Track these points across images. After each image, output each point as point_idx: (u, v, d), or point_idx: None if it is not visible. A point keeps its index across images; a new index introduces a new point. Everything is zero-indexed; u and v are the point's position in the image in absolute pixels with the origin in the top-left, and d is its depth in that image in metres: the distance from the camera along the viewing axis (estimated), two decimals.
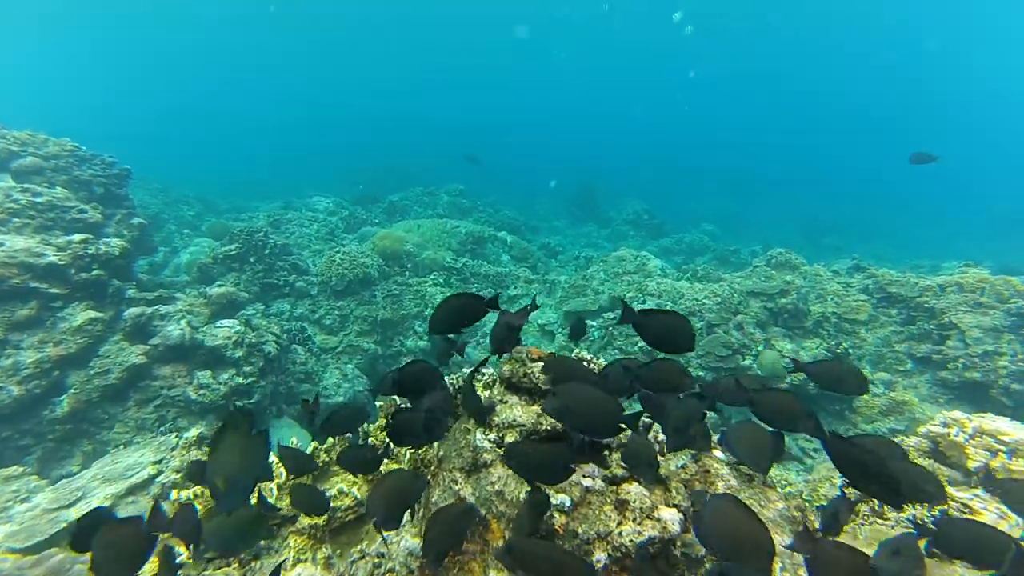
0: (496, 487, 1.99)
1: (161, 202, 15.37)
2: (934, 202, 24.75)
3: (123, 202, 8.80)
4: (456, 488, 2.07)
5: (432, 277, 10.13)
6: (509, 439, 2.11)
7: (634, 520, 1.84)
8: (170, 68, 60.93)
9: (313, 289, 9.34)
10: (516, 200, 23.43)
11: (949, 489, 2.92)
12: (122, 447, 5.21)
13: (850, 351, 7.27)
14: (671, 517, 1.85)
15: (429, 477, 2.27)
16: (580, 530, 1.86)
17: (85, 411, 6.10)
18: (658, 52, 53.33)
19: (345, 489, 2.61)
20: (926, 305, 7.45)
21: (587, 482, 2.00)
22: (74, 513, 4.04)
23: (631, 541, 1.79)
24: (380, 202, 17.16)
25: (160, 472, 4.41)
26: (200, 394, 6.27)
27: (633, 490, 1.93)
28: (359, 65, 66.74)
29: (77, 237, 6.81)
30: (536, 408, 2.17)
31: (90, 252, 6.77)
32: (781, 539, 1.96)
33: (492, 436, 2.15)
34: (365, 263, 9.38)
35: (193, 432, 4.65)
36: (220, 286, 7.80)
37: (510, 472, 2.03)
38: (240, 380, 6.42)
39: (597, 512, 1.89)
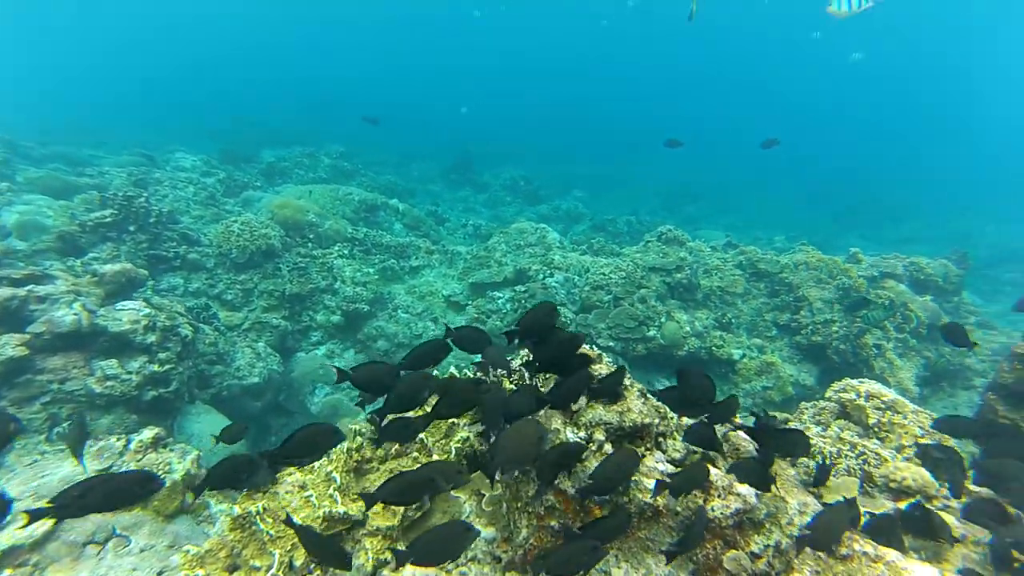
0: None
1: None
2: (765, 177, 28.14)
3: None
4: (556, 482, 2.36)
5: (336, 248, 9.80)
6: (597, 436, 2.43)
7: (719, 496, 2.29)
8: None
9: (209, 261, 8.61)
10: (392, 161, 22.87)
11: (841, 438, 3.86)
12: (39, 457, 4.59)
13: (732, 320, 8.49)
14: (748, 491, 2.32)
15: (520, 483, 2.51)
16: (679, 508, 2.27)
17: None
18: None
19: None
20: (786, 280, 8.88)
21: (661, 467, 2.41)
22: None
23: (722, 514, 2.23)
24: (255, 162, 15.84)
25: None
26: (107, 386, 5.66)
27: (712, 471, 2.38)
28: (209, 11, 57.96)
29: None
30: (616, 407, 2.50)
31: None
32: (803, 499, 2.54)
33: (582, 434, 2.46)
34: (267, 234, 8.83)
35: (148, 433, 4.24)
36: (111, 262, 6.94)
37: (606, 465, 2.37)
38: (156, 368, 5.88)
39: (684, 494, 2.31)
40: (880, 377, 7.75)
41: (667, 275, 8.72)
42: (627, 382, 2.65)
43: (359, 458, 3.14)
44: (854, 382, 4.36)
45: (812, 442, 3.64)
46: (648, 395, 2.70)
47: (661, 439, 2.60)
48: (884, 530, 2.53)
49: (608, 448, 2.41)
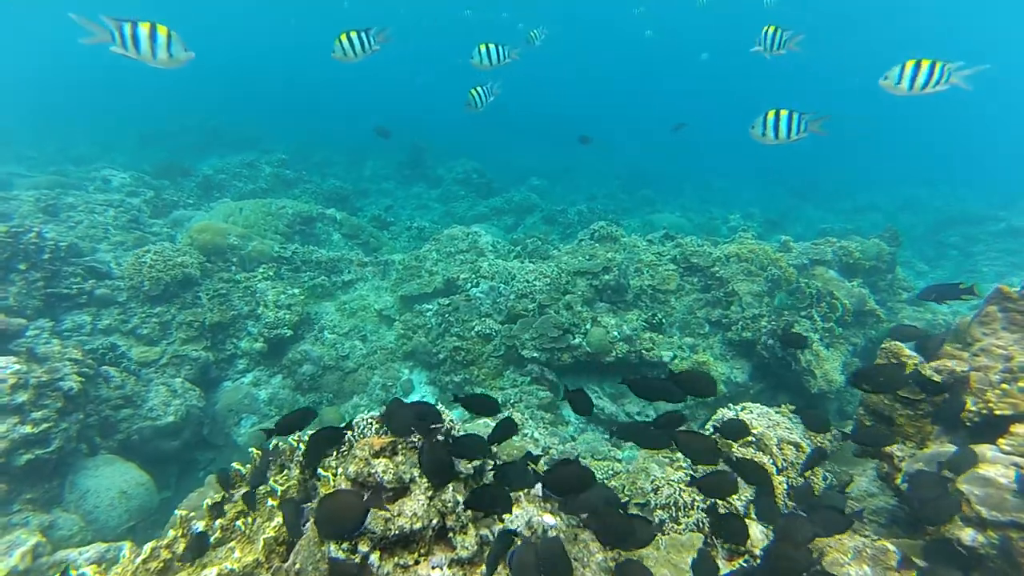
0: None
1: None
2: (722, 157, 28.07)
3: None
4: None
5: (261, 270, 9.49)
6: (362, 547, 2.26)
7: None
8: None
9: (120, 295, 8.29)
10: (344, 160, 22.41)
11: None
12: None
13: (663, 320, 8.34)
14: None
15: None
16: None
17: None
18: None
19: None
20: (717, 274, 8.73)
21: (436, 573, 2.24)
22: None
23: None
24: (191, 175, 15.32)
25: None
26: None
27: None
28: None
29: None
30: (383, 512, 2.32)
31: None
32: None
33: (345, 546, 2.28)
34: (183, 262, 8.49)
35: None
36: None
37: None
38: (29, 429, 5.49)
39: None
40: (807, 370, 7.67)
41: (594, 278, 8.54)
42: (416, 473, 2.47)
43: (168, 556, 2.94)
44: (730, 413, 4.23)
45: (668, 492, 3.51)
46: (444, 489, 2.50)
47: (451, 534, 2.42)
48: None
49: (374, 560, 2.23)
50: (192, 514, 3.27)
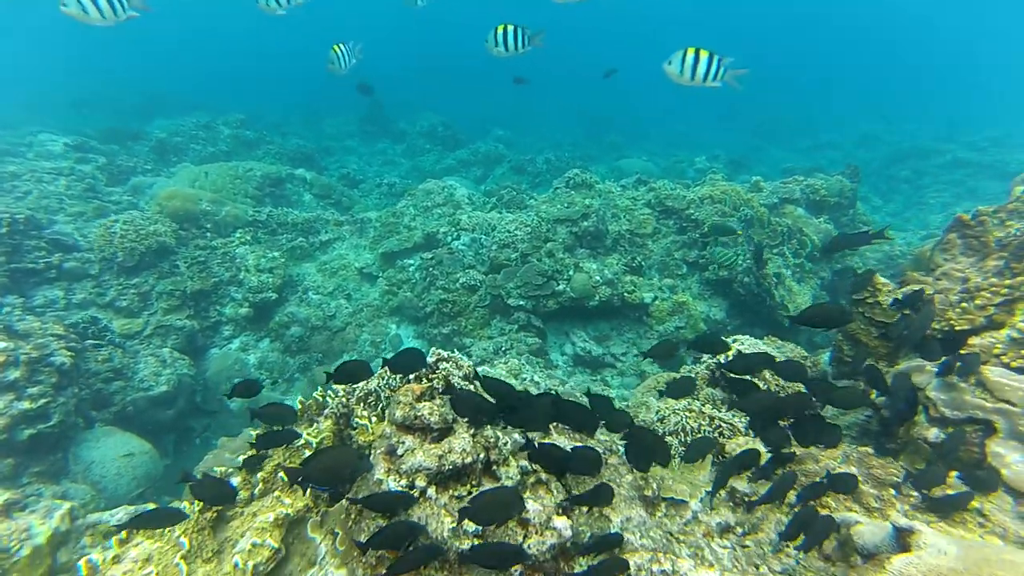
0: None
1: None
2: (683, 100, 28.16)
3: None
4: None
5: (238, 235, 9.34)
6: (420, 483, 2.45)
7: (536, 532, 2.36)
8: None
9: (92, 268, 8.08)
10: (300, 120, 21.70)
11: None
12: None
13: (642, 263, 8.62)
14: (563, 525, 2.41)
15: (351, 524, 2.53)
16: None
17: None
18: None
19: (259, 541, 2.74)
20: (692, 216, 9.00)
21: None
22: None
23: (538, 550, 2.31)
24: (143, 139, 14.62)
25: None
26: None
27: (531, 507, 2.44)
28: None
29: None
30: (436, 449, 2.51)
31: None
32: (628, 513, 2.66)
33: (403, 483, 2.47)
34: (156, 231, 8.29)
35: None
36: None
37: (429, 512, 2.40)
38: (27, 405, 5.48)
39: (504, 528, 2.37)
40: (781, 304, 8.12)
41: (573, 224, 8.72)
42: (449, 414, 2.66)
43: (221, 507, 3.09)
44: (728, 340, 4.52)
45: (676, 419, 3.81)
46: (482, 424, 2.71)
47: (495, 467, 2.64)
48: None
49: (432, 493, 2.44)
50: (229, 469, 3.41)
